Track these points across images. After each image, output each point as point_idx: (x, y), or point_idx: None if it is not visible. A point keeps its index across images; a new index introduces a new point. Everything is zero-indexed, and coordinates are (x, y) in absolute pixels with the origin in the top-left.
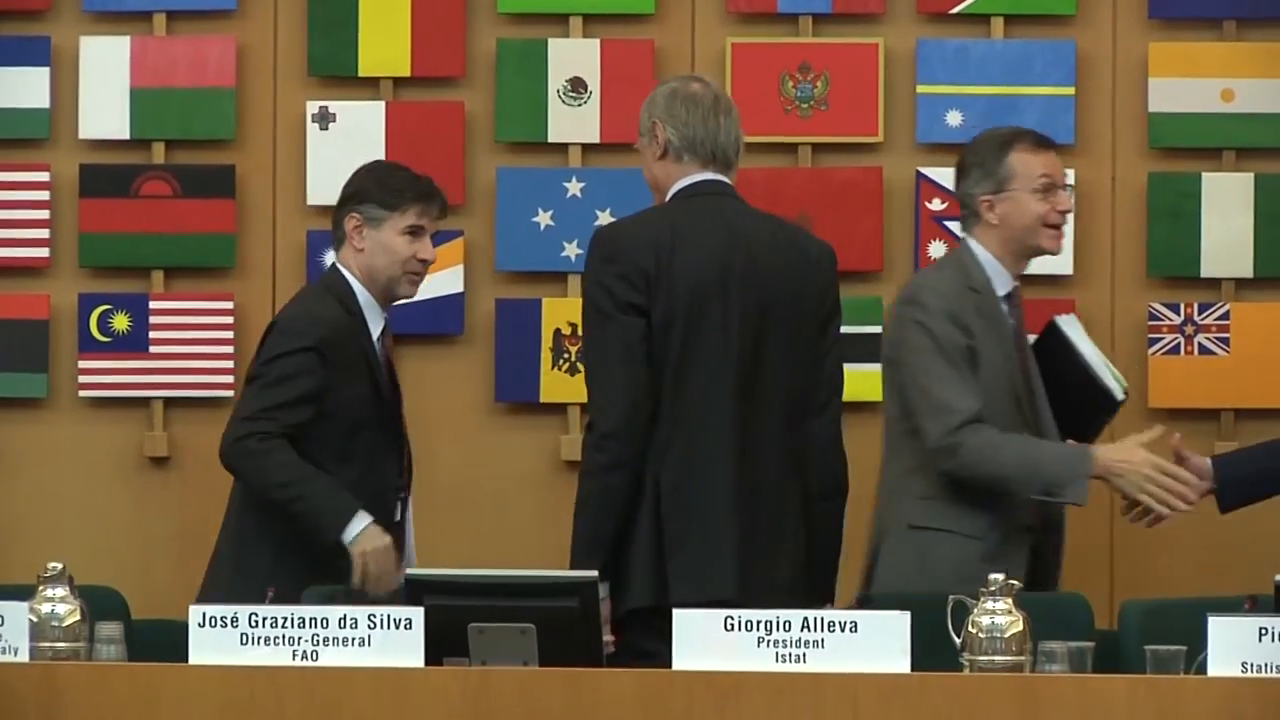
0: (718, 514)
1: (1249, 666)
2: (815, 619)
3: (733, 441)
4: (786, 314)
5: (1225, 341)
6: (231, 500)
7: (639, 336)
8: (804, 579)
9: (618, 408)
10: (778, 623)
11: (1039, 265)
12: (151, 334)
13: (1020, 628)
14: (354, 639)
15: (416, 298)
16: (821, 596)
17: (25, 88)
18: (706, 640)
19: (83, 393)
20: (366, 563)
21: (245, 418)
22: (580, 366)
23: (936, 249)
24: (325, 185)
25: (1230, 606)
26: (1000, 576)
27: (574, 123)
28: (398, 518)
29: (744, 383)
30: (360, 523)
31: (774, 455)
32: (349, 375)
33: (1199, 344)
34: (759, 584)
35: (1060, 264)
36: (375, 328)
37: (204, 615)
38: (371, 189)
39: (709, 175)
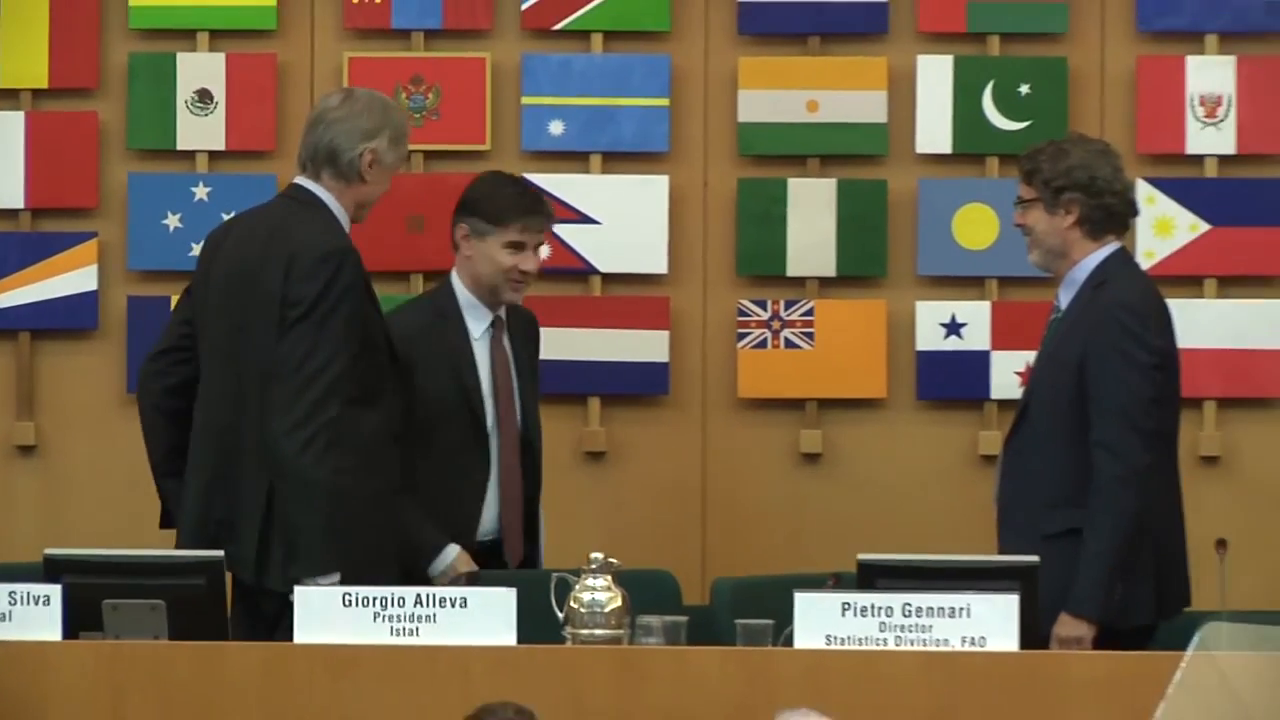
0: (194, 486)
1: (833, 639)
2: (428, 595)
3: (215, 423)
4: (261, 307)
5: (810, 336)
6: None
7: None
8: (278, 556)
9: None
10: (392, 598)
11: (635, 264)
12: None
13: (619, 603)
14: None
15: (52, 295)
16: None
17: None
18: (326, 615)
19: None
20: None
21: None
22: None
23: (541, 250)
24: None
25: (815, 583)
26: (600, 555)
27: (201, 131)
28: None
29: (230, 369)
30: (444, 559)
31: (252, 436)
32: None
33: (785, 338)
34: (227, 550)
35: (655, 263)
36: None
37: None
38: (479, 202)
39: (295, 179)
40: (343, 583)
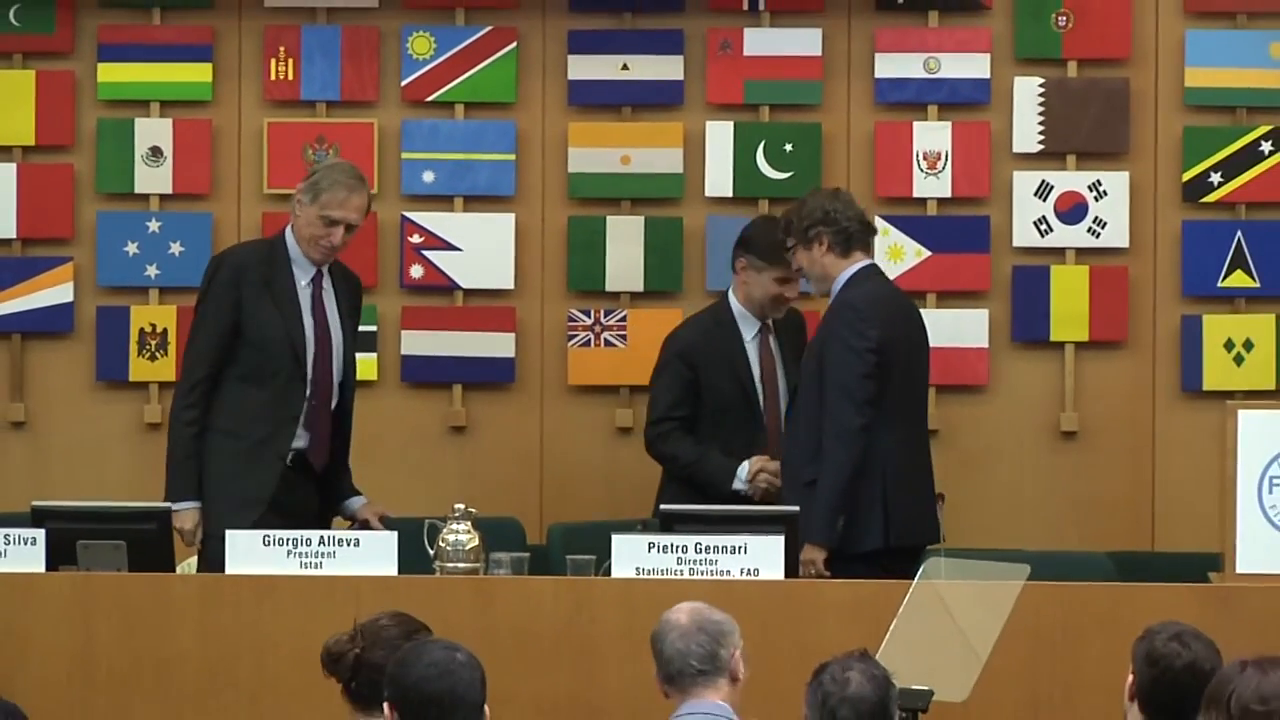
0: None
1: (641, 570)
2: (329, 537)
3: None
4: None
5: (624, 337)
6: None
7: None
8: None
9: None
10: (302, 539)
11: (489, 282)
12: None
13: (476, 543)
14: None
15: (38, 305)
16: None
17: None
18: (250, 552)
19: None
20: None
21: None
22: (158, 354)
23: (417, 271)
24: None
25: (628, 528)
26: (462, 506)
27: (153, 179)
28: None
29: None
30: (743, 470)
31: None
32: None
33: (605, 339)
34: None
35: (504, 281)
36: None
37: None
38: (755, 242)
39: None
40: (212, 520)
